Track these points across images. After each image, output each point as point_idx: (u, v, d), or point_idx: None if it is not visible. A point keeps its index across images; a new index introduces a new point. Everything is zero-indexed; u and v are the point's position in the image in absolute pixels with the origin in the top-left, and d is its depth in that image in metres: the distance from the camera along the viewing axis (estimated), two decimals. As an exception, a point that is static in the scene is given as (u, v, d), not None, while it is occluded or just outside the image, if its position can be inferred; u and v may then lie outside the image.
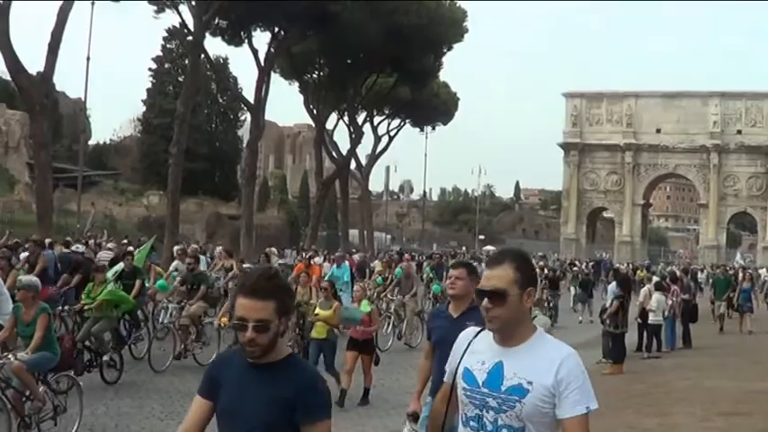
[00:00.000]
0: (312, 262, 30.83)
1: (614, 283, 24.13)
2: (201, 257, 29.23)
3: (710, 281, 44.53)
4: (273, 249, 40.21)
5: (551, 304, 34.00)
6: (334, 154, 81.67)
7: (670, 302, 26.06)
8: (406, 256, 49.53)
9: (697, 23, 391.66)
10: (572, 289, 45.31)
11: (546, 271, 42.93)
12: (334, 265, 29.60)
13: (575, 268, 57.43)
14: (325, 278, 27.03)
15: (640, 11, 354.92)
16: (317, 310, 17.21)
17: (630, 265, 67.48)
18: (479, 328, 5.06)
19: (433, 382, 8.12)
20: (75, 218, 58.21)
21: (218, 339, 20.38)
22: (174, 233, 51.56)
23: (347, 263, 31.70)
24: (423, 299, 33.09)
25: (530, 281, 4.73)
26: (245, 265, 30.44)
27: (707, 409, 15.71)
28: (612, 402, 16.78)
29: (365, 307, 17.28)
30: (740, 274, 39.77)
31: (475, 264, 42.88)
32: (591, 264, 70.28)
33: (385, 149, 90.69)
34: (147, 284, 22.79)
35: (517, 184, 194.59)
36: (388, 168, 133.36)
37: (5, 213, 59.14)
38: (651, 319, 24.95)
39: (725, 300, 34.82)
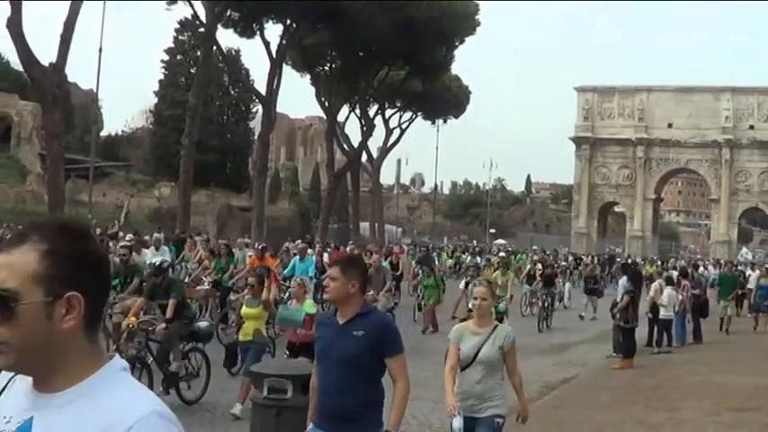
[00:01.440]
0: (266, 254, 28.05)
1: (625, 278, 24.09)
2: (235, 252, 28.70)
3: (713, 279, 42.62)
4: (246, 240, 37.13)
5: (545, 304, 32.12)
6: (345, 146, 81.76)
7: (680, 297, 26.02)
8: (396, 248, 48.45)
9: (706, 21, 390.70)
10: (567, 285, 43.90)
11: (541, 266, 38.63)
12: (296, 258, 27.50)
13: (580, 265, 56.86)
14: (285, 272, 27.26)
15: (649, 9, 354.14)
16: (243, 308, 15.41)
17: (638, 260, 67.16)
18: None
19: (318, 408, 6.88)
20: (86, 208, 58.28)
21: (107, 341, 17.06)
22: (186, 225, 51.68)
23: (313, 255, 30.20)
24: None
25: (71, 277, 2.39)
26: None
27: (716, 404, 15.71)
28: (622, 397, 16.81)
29: (309, 307, 15.21)
30: (750, 271, 38.94)
31: (473, 259, 41.54)
32: (597, 258, 69.09)
33: (396, 142, 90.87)
34: None
35: (528, 177, 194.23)
36: (399, 161, 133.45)
37: (17, 204, 59.30)
38: (662, 313, 24.91)
39: (731, 299, 32.75)
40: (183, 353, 15.09)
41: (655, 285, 25.92)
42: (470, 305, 19.18)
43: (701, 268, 50.31)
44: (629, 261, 60.49)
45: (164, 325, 14.64)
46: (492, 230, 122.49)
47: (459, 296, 23.46)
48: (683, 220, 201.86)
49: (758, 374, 19.67)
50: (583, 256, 69.71)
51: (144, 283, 18.33)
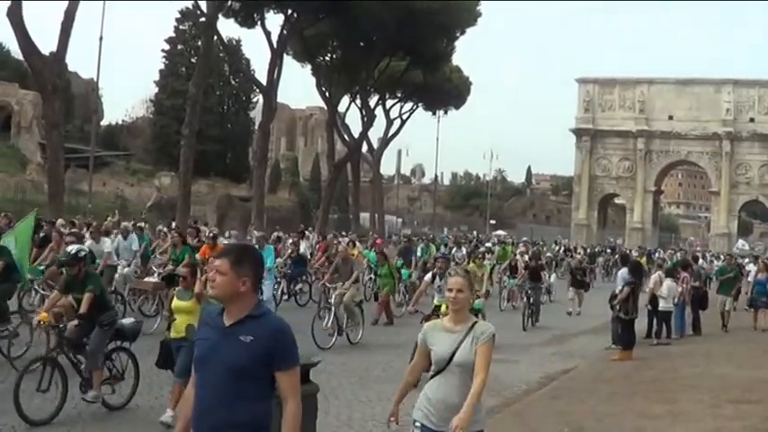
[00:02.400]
0: (218, 242, 26.00)
1: (625, 270, 24.04)
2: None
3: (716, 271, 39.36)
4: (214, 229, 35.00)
5: (531, 300, 29.13)
6: (345, 137, 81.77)
7: (680, 289, 26.00)
8: (378, 239, 44.70)
9: (707, 13, 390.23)
10: (553, 277, 41.21)
11: (526, 258, 35.61)
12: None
13: (570, 256, 54.87)
14: None
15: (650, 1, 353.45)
16: (174, 302, 13.42)
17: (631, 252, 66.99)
18: None
19: (193, 419, 5.71)
20: (86, 198, 58.30)
21: (30, 337, 16.31)
22: (186, 214, 51.71)
23: (271, 245, 28.22)
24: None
25: None
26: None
27: (716, 396, 15.71)
28: (621, 388, 16.81)
29: None
30: (752, 265, 38.21)
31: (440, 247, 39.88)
32: (584, 249, 67.36)
33: (397, 133, 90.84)
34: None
35: (529, 169, 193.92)
36: (399, 152, 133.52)
37: (17, 193, 59.31)
38: (661, 305, 24.87)
39: (732, 295, 30.93)
40: (105, 354, 13.49)
41: (654, 277, 25.85)
42: (436, 300, 18.91)
43: (701, 260, 49.39)
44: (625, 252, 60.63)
45: (75, 322, 13.02)
46: (492, 221, 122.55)
47: (421, 288, 20.69)
48: (684, 213, 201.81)
49: (758, 367, 19.66)
50: (575, 247, 69.85)
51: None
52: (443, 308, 15.67)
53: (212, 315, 5.86)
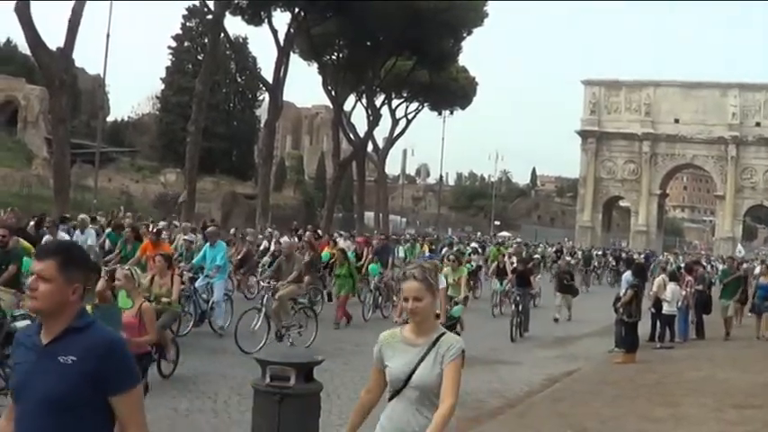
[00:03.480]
0: (161, 238, 23.84)
1: (629, 272, 24.05)
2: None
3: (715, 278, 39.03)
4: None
5: (521, 306, 26.44)
6: (351, 136, 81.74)
7: (684, 293, 26.00)
8: (360, 237, 41.03)
9: (714, 16, 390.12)
10: (539, 280, 37.39)
11: (514, 261, 33.22)
12: (207, 244, 22.94)
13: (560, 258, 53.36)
14: (194, 261, 22.90)
15: (657, 3, 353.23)
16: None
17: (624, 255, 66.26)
18: None
19: None
20: (92, 194, 58.38)
21: None
22: (191, 211, 51.77)
23: (223, 241, 24.55)
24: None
25: None
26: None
27: (719, 400, 15.70)
28: (624, 392, 16.81)
29: (124, 302, 11.79)
30: (758, 268, 37.41)
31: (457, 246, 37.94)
32: (582, 252, 65.33)
33: (402, 132, 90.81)
34: None
35: (534, 170, 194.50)
36: (405, 151, 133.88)
37: (23, 188, 59.39)
38: (665, 309, 24.85)
39: (735, 299, 29.02)
40: None
41: (658, 280, 25.83)
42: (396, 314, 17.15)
43: (708, 266, 48.57)
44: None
45: None
46: (497, 222, 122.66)
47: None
48: (688, 216, 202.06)
49: (761, 371, 19.66)
50: (569, 249, 68.52)
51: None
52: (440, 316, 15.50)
53: (27, 332, 4.70)
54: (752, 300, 29.23)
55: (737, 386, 17.48)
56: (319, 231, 45.89)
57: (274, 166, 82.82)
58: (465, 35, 74.47)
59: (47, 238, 22.09)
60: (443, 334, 5.90)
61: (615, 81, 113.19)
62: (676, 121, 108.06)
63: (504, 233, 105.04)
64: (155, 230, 24.70)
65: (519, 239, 65.91)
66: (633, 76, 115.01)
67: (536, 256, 48.08)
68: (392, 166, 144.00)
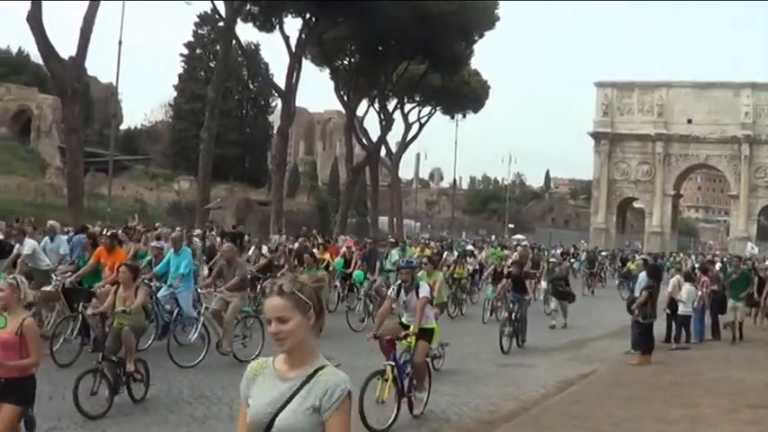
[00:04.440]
0: (118, 243, 21.78)
1: (644, 273, 23.99)
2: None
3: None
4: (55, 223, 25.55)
5: (517, 315, 24.02)
6: (364, 141, 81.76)
7: (699, 293, 25.94)
8: (348, 240, 40.01)
9: (726, 16, 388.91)
10: (544, 284, 35.65)
11: (509, 264, 30.02)
12: (171, 251, 20.80)
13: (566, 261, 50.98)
14: (156, 269, 20.68)
15: (669, 4, 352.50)
16: None
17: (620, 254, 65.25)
18: None
19: None
20: (105, 202, 58.48)
21: None
22: (205, 218, 51.84)
23: (188, 247, 22.50)
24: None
25: None
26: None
27: (734, 401, 15.69)
28: (640, 393, 16.80)
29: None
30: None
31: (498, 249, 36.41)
32: (585, 252, 64.06)
33: (415, 137, 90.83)
34: None
35: (547, 172, 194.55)
36: (418, 156, 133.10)
37: (37, 197, 59.51)
38: (681, 309, 24.83)
39: (743, 298, 27.42)
40: None
41: (673, 281, 25.78)
42: (404, 320, 15.05)
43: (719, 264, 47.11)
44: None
45: None
46: (511, 225, 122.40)
47: (383, 308, 15.70)
48: (702, 216, 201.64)
49: (777, 371, 19.65)
50: (573, 252, 67.24)
51: None
52: (412, 327, 14.40)
53: None
54: (764, 299, 27.94)
55: (753, 386, 17.47)
56: (318, 237, 45.82)
57: (288, 172, 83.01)
58: (477, 38, 74.42)
59: (17, 246, 21.45)
60: (322, 368, 4.66)
61: (628, 82, 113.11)
62: (689, 121, 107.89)
63: (519, 236, 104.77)
64: (109, 234, 22.61)
65: (525, 242, 64.35)
66: (645, 77, 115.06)
67: (552, 259, 40.70)
68: (405, 171, 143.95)
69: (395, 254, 33.28)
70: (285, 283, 4.73)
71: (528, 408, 15.46)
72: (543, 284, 36.14)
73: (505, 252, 39.31)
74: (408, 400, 13.95)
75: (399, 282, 15.46)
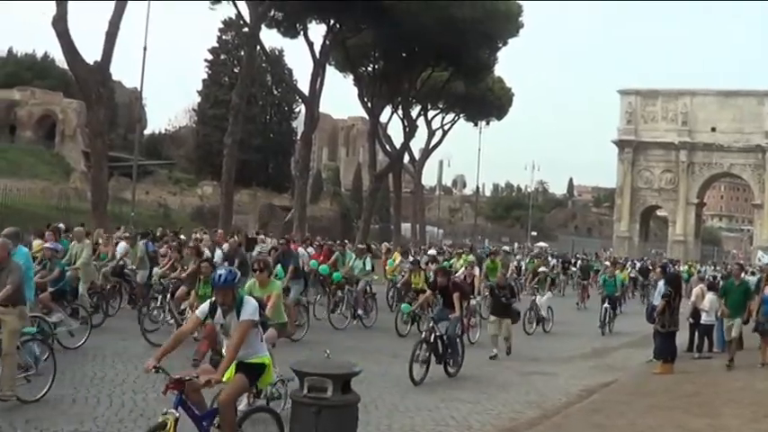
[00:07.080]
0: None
1: (662, 282, 23.90)
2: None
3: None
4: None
5: (444, 337, 18.82)
6: (387, 147, 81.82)
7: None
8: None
9: (750, 25, 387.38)
10: (546, 295, 31.46)
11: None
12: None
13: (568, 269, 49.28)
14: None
15: (693, 12, 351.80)
16: None
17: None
18: None
19: None
20: (129, 206, 58.66)
21: None
22: (228, 223, 51.91)
23: (25, 247, 17.44)
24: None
25: None
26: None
27: (756, 410, 15.62)
28: (662, 402, 16.75)
29: None
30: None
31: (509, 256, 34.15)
32: (581, 260, 61.46)
33: (438, 143, 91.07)
34: None
35: (570, 180, 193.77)
36: (441, 162, 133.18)
37: (61, 201, 59.72)
38: (704, 319, 24.74)
39: (744, 315, 23.47)
40: None
41: (696, 290, 25.70)
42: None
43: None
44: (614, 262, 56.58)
45: None
46: (533, 233, 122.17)
47: (183, 329, 10.59)
48: (726, 225, 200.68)
49: (800, 381, 19.55)
50: (569, 259, 64.18)
51: None
52: (220, 368, 9.59)
53: None
54: (756, 317, 23.21)
55: (776, 397, 17.39)
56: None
57: (311, 177, 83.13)
58: (501, 46, 74.30)
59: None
60: None
61: (651, 90, 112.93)
62: (713, 129, 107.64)
63: (542, 243, 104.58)
64: (53, 228, 21.84)
65: (541, 245, 62.11)
66: (669, 86, 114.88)
67: (542, 269, 36.11)
68: (428, 178, 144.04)
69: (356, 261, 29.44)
70: None
71: (549, 416, 15.44)
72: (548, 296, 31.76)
73: (470, 258, 35.00)
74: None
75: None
